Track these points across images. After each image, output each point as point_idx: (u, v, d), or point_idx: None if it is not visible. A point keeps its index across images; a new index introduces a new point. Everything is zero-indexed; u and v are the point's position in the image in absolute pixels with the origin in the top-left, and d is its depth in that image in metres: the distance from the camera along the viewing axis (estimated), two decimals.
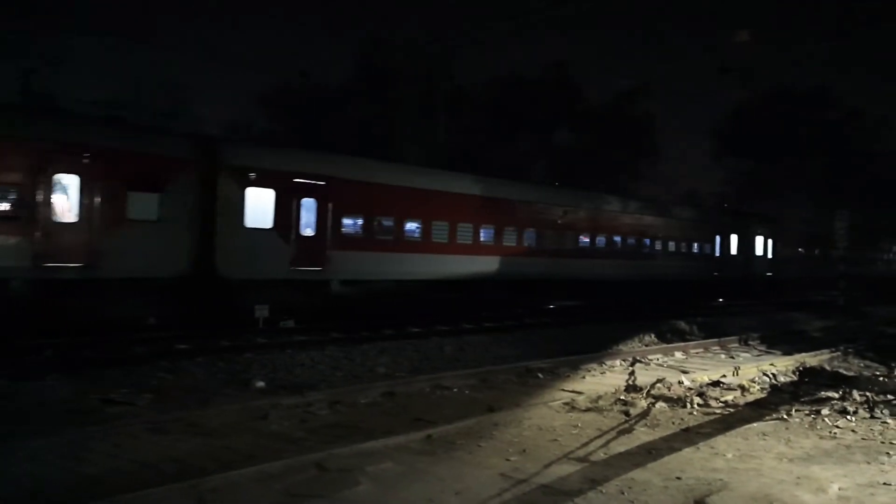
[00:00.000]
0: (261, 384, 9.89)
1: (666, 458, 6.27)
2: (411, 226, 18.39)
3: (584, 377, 11.29)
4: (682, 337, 17.24)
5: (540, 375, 11.12)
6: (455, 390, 9.81)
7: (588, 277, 22.85)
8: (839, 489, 5.49)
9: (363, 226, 17.28)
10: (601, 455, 6.39)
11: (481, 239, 19.87)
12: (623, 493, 5.30)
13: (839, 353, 14.29)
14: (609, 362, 12.68)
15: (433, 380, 10.18)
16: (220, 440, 6.91)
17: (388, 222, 17.87)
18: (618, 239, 24.64)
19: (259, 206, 15.14)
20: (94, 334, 12.90)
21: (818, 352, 14.35)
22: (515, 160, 38.57)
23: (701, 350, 15.12)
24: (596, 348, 14.18)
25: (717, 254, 29.42)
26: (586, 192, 25.70)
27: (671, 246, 27.13)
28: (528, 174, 37.55)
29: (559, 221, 22.25)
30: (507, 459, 6.18)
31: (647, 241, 25.95)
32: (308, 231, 16.05)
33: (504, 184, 22.30)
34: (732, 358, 14.33)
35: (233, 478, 5.49)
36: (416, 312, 17.43)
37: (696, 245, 28.48)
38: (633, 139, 43.55)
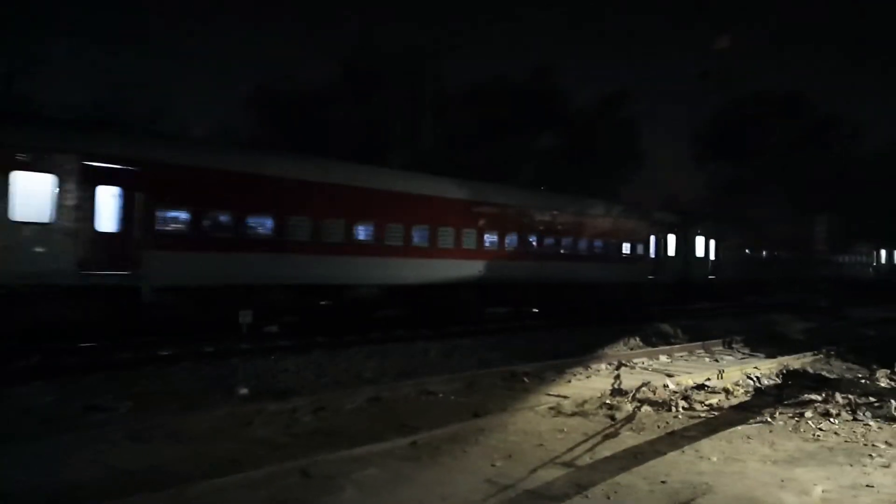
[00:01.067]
0: (245, 390, 9.80)
1: (651, 462, 6.28)
2: (259, 221, 15.42)
3: (569, 381, 11.29)
4: (666, 340, 17.31)
5: (526, 379, 11.10)
6: (441, 395, 9.78)
7: (493, 280, 20.17)
8: (822, 491, 5.53)
9: (192, 221, 14.27)
10: (587, 459, 6.40)
11: (358, 237, 17.06)
12: (609, 498, 5.31)
13: (821, 355, 14.43)
14: (594, 366, 12.70)
15: (419, 384, 10.14)
16: (204, 447, 6.85)
17: (226, 217, 14.88)
18: (533, 238, 21.83)
19: (32, 194, 12.29)
20: (78, 340, 12.76)
21: (801, 354, 14.46)
22: (501, 164, 38.63)
23: (685, 353, 15.18)
24: (581, 352, 14.20)
25: (653, 255, 26.92)
26: (483, 183, 22.31)
27: (597, 246, 24.08)
28: (514, 178, 37.55)
29: (453, 216, 19.29)
30: (493, 465, 6.17)
31: (565, 240, 22.86)
32: (109, 226, 13.18)
33: (376, 172, 19.30)
34: (716, 361, 14.41)
35: (217, 485, 5.44)
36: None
37: (626, 245, 25.63)
38: (616, 144, 43.78)
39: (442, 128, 39.19)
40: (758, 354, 15.33)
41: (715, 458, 6.43)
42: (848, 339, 17.00)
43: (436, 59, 37.54)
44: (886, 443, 7.02)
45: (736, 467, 6.17)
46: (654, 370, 12.78)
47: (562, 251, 22.80)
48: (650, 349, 15.45)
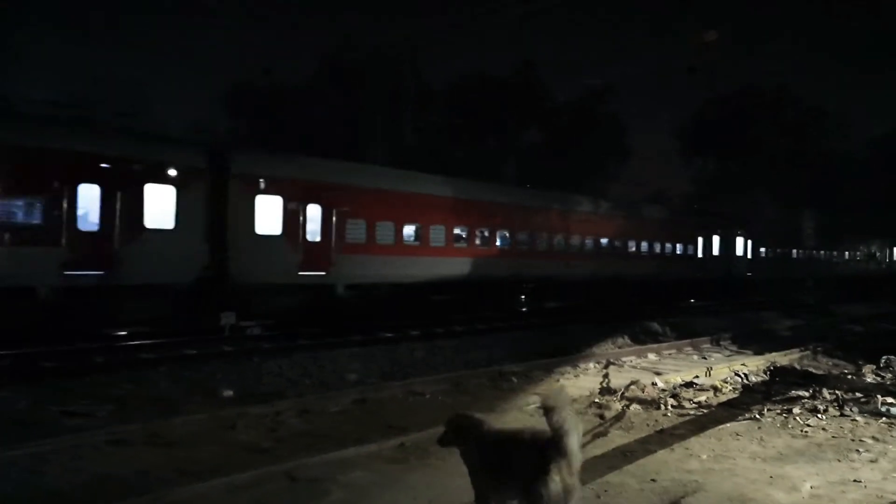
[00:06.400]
0: (228, 393, 9.68)
1: (641, 461, 6.22)
2: None
3: (557, 380, 11.24)
4: (654, 338, 17.31)
5: (513, 379, 11.04)
6: (428, 396, 9.70)
7: None
8: (811, 487, 5.50)
9: None
10: None
11: None
12: (599, 497, 5.24)
13: (808, 351, 14.47)
14: (583, 365, 12.65)
15: (405, 385, 10.07)
16: (186, 451, 6.72)
17: None
18: None
19: None
20: (53, 343, 12.51)
21: (788, 351, 14.50)
22: (483, 159, 38.64)
23: (674, 351, 15.19)
24: (569, 351, 14.16)
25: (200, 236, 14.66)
26: None
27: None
28: (497, 174, 37.51)
29: None
30: None
31: None
32: None
33: None
34: (704, 358, 14.42)
35: (199, 489, 5.33)
36: None
37: (150, 217, 13.99)
38: (602, 138, 43.90)
39: (424, 123, 39.20)
40: (745, 351, 15.38)
41: (705, 456, 6.38)
42: (835, 336, 17.08)
43: (416, 54, 37.63)
44: (873, 438, 7.01)
45: (726, 465, 6.12)
46: (643, 368, 12.76)
47: None
48: (639, 347, 15.44)
